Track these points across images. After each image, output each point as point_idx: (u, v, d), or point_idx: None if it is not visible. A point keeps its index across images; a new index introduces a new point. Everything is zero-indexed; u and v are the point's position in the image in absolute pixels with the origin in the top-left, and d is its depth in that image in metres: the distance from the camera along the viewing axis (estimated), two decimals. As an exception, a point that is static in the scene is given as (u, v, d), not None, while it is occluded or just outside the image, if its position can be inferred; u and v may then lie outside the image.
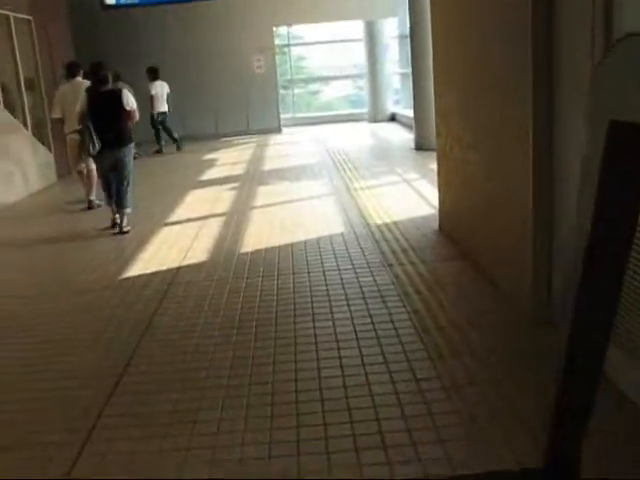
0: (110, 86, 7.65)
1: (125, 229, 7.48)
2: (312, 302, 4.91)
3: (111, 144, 7.28)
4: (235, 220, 7.81)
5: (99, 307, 5.31)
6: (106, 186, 7.57)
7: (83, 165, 8.90)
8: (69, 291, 5.81)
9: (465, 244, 5.77)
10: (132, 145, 7.66)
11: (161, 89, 14.87)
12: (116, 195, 7.50)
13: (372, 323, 4.43)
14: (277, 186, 9.84)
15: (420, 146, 12.28)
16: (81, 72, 9.10)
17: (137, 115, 7.71)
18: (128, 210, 7.58)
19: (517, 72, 4.13)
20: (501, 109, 4.51)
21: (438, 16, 6.18)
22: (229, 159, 13.31)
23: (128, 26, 16.75)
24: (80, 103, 7.54)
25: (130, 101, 7.53)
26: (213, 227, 7.56)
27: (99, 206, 8.81)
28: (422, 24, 11.84)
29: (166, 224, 7.93)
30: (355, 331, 4.32)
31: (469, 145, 5.31)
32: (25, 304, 5.56)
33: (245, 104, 18.05)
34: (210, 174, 11.55)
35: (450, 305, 4.62)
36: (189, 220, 8.03)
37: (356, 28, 19.53)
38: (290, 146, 14.83)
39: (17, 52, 11.33)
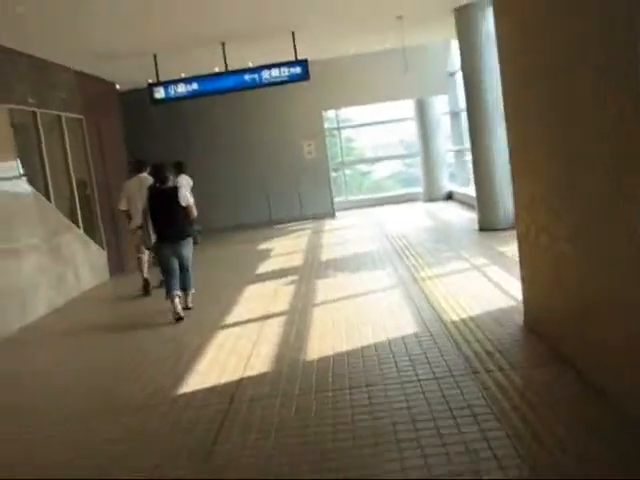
0: (170, 184, 8.11)
1: (190, 305, 8.23)
2: (394, 425, 4.26)
3: (170, 238, 7.80)
4: (297, 320, 7.26)
5: (152, 432, 4.76)
6: (167, 278, 7.96)
7: (141, 255, 9.97)
8: (118, 407, 5.31)
9: (559, 344, 5.08)
10: (190, 238, 8.11)
11: (186, 182, 14.72)
12: (181, 281, 7.97)
13: (468, 451, 3.75)
14: (338, 278, 9.30)
15: (485, 227, 11.68)
16: (147, 168, 9.48)
17: (194, 211, 8.05)
18: (192, 290, 8.30)
19: (626, 160, 3.55)
20: (607, 198, 3.91)
21: (512, 86, 5.66)
22: (284, 248, 12.89)
23: (178, 119, 16.82)
24: (142, 200, 8.21)
25: (186, 197, 7.95)
26: (274, 329, 7.01)
27: (153, 287, 9.73)
28: (478, 99, 11.45)
29: (224, 326, 7.42)
30: (450, 461, 3.66)
31: (563, 237, 4.69)
32: (68, 427, 5.05)
33: (297, 190, 17.80)
34: (266, 266, 11.10)
35: (561, 429, 3.90)
36: (248, 321, 7.51)
37: (404, 106, 19.36)
38: (346, 231, 14.39)
39: (69, 152, 11.24)
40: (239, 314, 7.88)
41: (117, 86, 14.25)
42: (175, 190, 7.91)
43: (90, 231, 11.82)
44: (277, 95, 16.95)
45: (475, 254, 9.58)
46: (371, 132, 22.64)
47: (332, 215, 17.78)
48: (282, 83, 11.79)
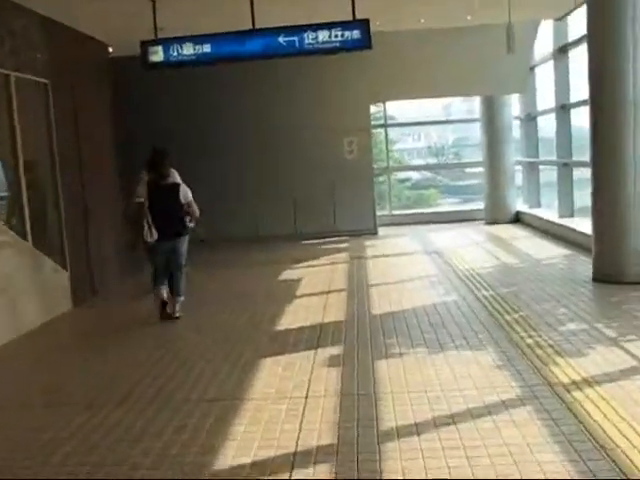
0: (171, 179, 7.56)
1: (177, 314, 7.70)
2: None
3: (167, 236, 7.45)
4: (357, 466, 3.76)
5: None
6: (155, 272, 7.73)
7: None
8: None
9: None
10: (187, 237, 7.74)
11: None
12: (170, 280, 7.69)
13: None
14: (409, 362, 5.65)
15: (604, 277, 8.13)
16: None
17: (196, 210, 7.70)
18: (181, 298, 7.76)
19: None
20: None
21: None
22: (315, 283, 9.35)
23: (179, 94, 13.38)
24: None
25: (187, 195, 7.61)
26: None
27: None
28: (615, 97, 7.90)
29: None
30: None
31: None
32: None
33: (332, 198, 14.29)
34: (287, 321, 7.43)
35: None
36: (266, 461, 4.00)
37: (465, 105, 15.86)
38: (396, 260, 10.88)
39: (17, 126, 7.81)
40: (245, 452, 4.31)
41: (110, 49, 10.79)
42: (176, 187, 7.55)
43: (44, 242, 8.41)
44: (316, 75, 13.49)
45: (626, 332, 6.03)
46: (418, 133, 19.21)
47: (374, 232, 14.25)
48: (331, 52, 8.22)
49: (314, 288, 9.00)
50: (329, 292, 8.68)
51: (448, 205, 17.85)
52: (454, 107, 18.64)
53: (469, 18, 10.36)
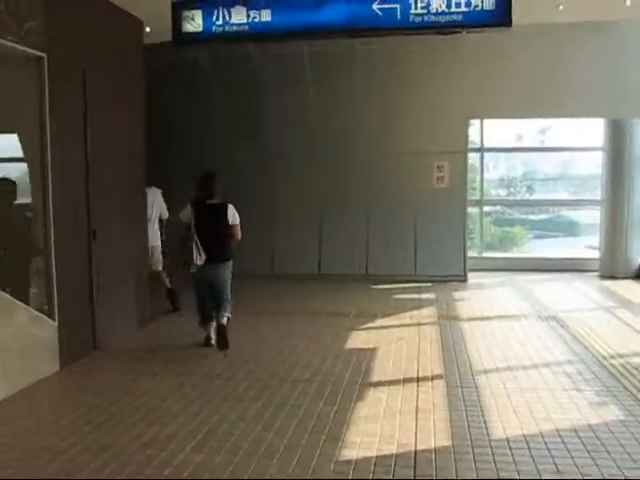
0: (217, 199, 7.05)
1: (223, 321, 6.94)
2: None
3: (216, 259, 6.96)
4: None
5: None
6: (201, 303, 7.17)
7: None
8: None
9: None
10: (231, 262, 7.13)
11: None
12: (216, 309, 7.02)
13: None
14: None
15: None
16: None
17: (239, 233, 7.14)
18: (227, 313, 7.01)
19: None
20: None
21: None
22: (396, 362, 6.57)
23: (218, 81, 11.04)
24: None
25: (234, 216, 7.09)
26: None
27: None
28: None
29: None
30: None
31: None
32: None
33: (413, 234, 11.60)
34: (363, 443, 4.62)
35: None
36: None
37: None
38: (504, 327, 8.04)
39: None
40: None
41: (147, 29, 8.37)
42: (225, 207, 7.03)
43: (24, 284, 5.97)
44: (407, 72, 10.91)
45: None
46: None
47: (462, 279, 11.45)
48: (448, 29, 5.54)
49: (396, 371, 6.26)
50: (419, 381, 5.93)
51: (541, 247, 14.89)
52: (551, 132, 15.68)
53: (628, 4, 7.51)
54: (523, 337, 7.54)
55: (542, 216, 15.66)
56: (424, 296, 10.06)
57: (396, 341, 7.22)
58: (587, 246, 13.55)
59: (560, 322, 8.22)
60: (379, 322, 8.20)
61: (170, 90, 11.21)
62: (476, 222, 13.29)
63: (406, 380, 5.94)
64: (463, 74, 10.89)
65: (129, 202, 7.83)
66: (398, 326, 7.93)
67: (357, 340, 7.34)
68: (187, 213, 7.03)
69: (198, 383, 5.96)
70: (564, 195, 15.03)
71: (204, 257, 6.83)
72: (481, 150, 12.96)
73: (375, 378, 6.07)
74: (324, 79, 11.16)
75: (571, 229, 15.38)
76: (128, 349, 7.24)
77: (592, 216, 13.17)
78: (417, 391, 5.63)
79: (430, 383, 5.86)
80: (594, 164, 12.99)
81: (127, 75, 7.75)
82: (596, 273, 12.13)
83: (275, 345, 7.23)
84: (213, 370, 6.33)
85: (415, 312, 8.81)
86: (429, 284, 11.11)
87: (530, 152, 14.23)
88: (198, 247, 6.82)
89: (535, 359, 6.61)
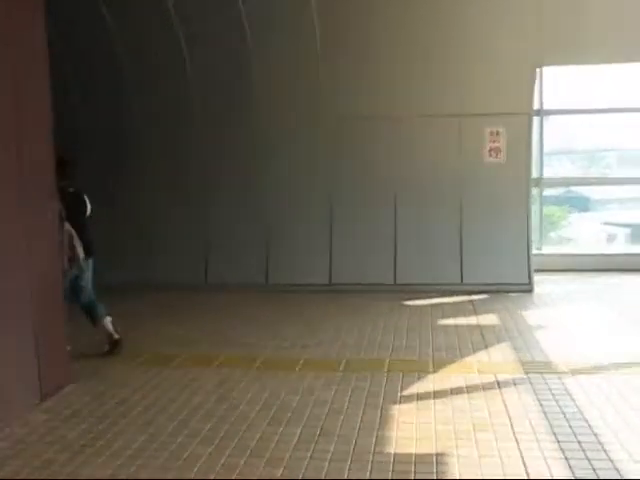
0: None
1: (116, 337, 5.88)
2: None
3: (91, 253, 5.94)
4: None
5: None
6: (92, 301, 5.95)
7: None
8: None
9: None
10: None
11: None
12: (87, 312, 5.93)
13: None
14: None
15: None
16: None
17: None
18: (108, 318, 5.90)
19: None
20: None
21: None
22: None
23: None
24: None
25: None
26: None
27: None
28: None
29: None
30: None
31: None
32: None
33: (457, 227, 8.45)
34: None
35: None
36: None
37: None
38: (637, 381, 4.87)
39: None
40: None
41: None
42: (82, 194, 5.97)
43: None
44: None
45: None
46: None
47: (527, 289, 8.30)
48: None
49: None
50: None
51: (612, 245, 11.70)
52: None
53: None
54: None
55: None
56: (483, 320, 6.91)
57: (475, 433, 4.03)
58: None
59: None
60: (430, 382, 5.01)
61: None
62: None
63: None
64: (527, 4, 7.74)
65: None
66: (465, 391, 4.76)
67: (402, 436, 4.15)
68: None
69: None
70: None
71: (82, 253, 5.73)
72: (540, 113, 9.70)
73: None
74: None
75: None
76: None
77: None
78: None
79: None
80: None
81: None
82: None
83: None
84: None
85: (481, 355, 5.64)
86: (482, 297, 8.00)
87: (606, 114, 10.73)
88: (74, 244, 5.63)
89: None
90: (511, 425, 4.09)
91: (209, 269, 8.86)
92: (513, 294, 8.14)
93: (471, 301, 7.81)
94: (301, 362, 5.53)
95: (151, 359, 5.69)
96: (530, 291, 8.25)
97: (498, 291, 8.19)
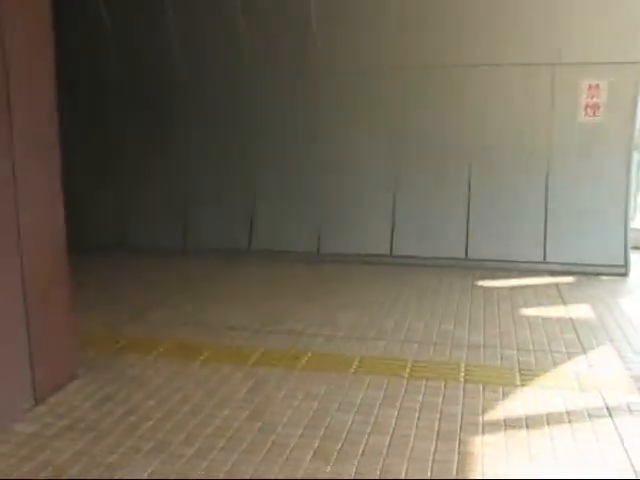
0: None
1: None
2: None
3: None
4: None
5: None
6: None
7: None
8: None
9: None
10: None
11: None
12: None
13: None
14: None
15: None
16: None
17: None
18: None
19: None
20: None
21: None
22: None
23: None
24: None
25: None
26: None
27: None
28: None
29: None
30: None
31: None
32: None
33: (543, 197, 7.26)
34: None
35: None
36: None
37: None
38: None
39: None
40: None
41: None
42: None
43: None
44: None
45: None
46: None
47: (623, 272, 7.09)
48: None
49: None
50: None
51: None
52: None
53: None
54: None
55: None
56: (574, 311, 5.77)
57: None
58: None
59: None
60: (518, 401, 3.95)
61: None
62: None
63: None
64: None
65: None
66: (566, 419, 3.70)
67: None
68: None
69: None
70: None
71: None
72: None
73: None
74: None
75: None
76: None
77: None
78: None
79: None
80: None
81: None
82: None
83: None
84: None
85: (580, 364, 4.52)
86: (568, 279, 6.85)
87: None
88: None
89: None
90: (634, 471, 3.03)
91: (253, 236, 7.93)
92: (604, 277, 6.95)
93: (556, 284, 6.66)
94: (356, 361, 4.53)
95: (172, 349, 4.77)
96: (625, 274, 7.05)
97: (586, 273, 7.02)
